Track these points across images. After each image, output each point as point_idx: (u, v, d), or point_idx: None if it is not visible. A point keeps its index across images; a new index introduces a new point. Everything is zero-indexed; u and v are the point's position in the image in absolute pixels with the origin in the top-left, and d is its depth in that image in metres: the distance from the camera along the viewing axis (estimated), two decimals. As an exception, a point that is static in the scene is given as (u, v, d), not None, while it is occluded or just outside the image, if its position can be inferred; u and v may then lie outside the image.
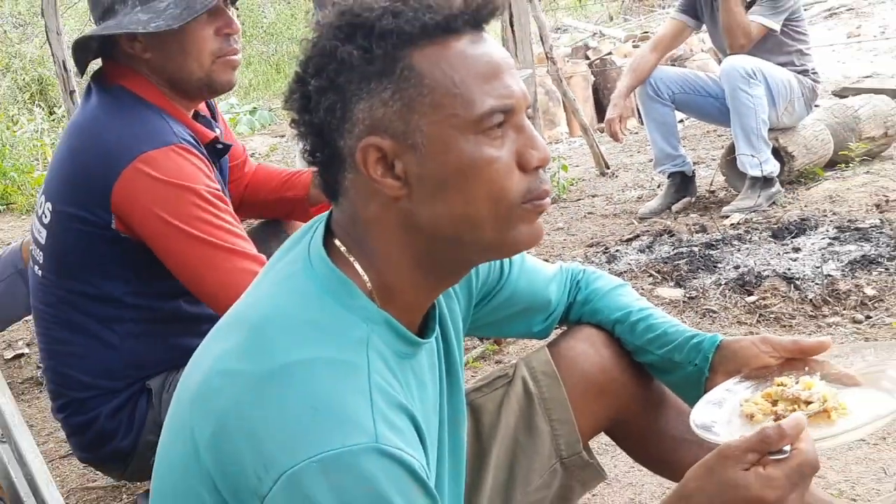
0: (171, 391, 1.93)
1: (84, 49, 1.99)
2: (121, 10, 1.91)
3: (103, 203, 1.84)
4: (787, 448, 1.09)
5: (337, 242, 1.18)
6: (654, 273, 3.57)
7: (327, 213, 1.23)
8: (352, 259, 1.16)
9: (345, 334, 1.09)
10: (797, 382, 1.37)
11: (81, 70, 2.03)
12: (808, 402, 1.31)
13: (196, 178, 1.85)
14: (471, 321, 1.49)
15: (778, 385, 1.37)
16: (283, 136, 9.35)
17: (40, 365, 3.68)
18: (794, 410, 1.29)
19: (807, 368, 1.42)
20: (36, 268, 2.01)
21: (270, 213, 2.45)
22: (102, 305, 1.94)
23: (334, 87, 1.10)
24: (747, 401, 1.37)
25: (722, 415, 1.37)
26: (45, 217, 1.95)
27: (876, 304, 3.03)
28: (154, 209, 1.82)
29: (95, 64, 2.06)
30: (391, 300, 1.16)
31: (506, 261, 1.51)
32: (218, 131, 2.10)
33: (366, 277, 1.15)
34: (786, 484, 1.07)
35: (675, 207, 4.60)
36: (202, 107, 2.10)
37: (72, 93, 6.15)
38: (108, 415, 1.97)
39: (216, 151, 2.04)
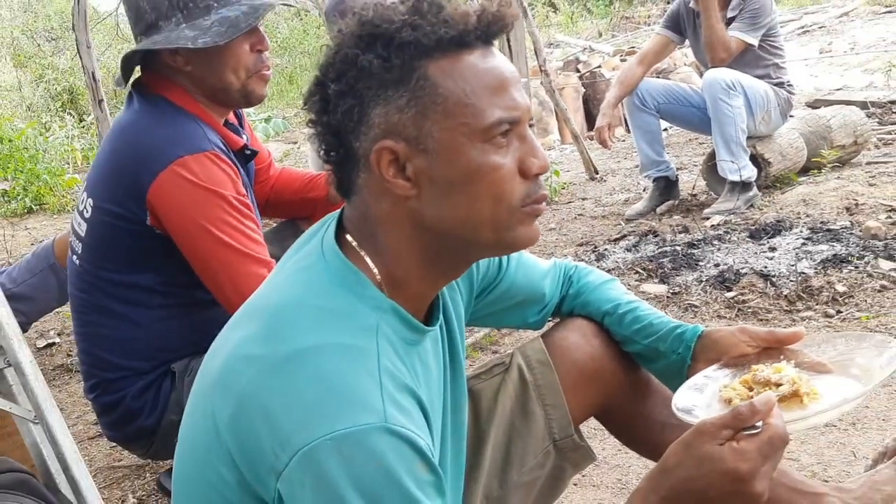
0: (192, 374, 1.94)
1: (129, 61, 2.01)
2: (165, 26, 1.93)
3: (139, 201, 1.87)
4: (759, 424, 1.09)
5: (349, 237, 1.18)
6: (640, 270, 3.56)
7: (339, 210, 1.23)
8: (362, 253, 1.16)
9: (356, 321, 1.10)
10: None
11: (126, 80, 2.03)
12: (778, 385, 1.31)
13: (226, 184, 1.88)
14: (471, 312, 1.50)
15: (753, 372, 1.37)
16: (295, 143, 9.35)
17: (70, 353, 3.68)
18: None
19: (782, 357, 1.42)
20: (74, 257, 2.04)
21: (294, 213, 2.46)
22: (131, 292, 1.97)
23: (353, 92, 1.10)
24: (726, 386, 1.37)
25: (702, 399, 1.37)
26: (87, 212, 1.99)
27: (846, 300, 3.03)
28: (185, 210, 1.85)
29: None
30: (399, 291, 1.16)
31: (504, 257, 1.51)
32: (245, 137, 2.13)
33: (375, 270, 1.15)
34: (757, 456, 1.06)
35: (659, 210, 4.59)
36: (230, 115, 2.12)
37: (100, 101, 6.15)
38: (134, 395, 2.00)
39: (244, 157, 2.06)
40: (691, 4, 4.43)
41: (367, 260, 1.16)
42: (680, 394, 1.37)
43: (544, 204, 1.17)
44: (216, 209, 1.85)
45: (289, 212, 2.46)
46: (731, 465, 1.07)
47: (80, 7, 5.99)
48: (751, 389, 1.34)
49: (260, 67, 2.00)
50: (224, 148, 1.95)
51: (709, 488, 1.08)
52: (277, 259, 1.82)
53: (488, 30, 1.12)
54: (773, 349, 1.45)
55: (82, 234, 2.00)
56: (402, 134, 1.10)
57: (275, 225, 2.57)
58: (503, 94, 1.11)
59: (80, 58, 6.25)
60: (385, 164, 1.10)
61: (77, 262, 2.03)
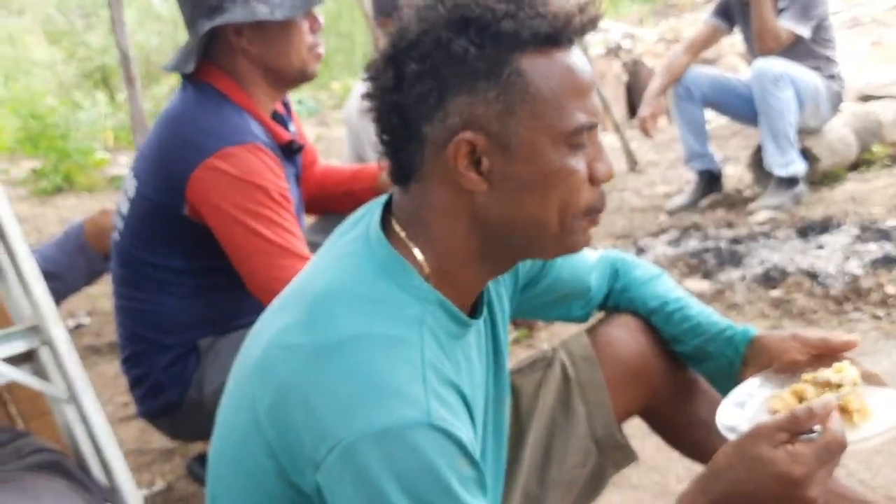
0: (217, 353, 2.02)
1: (197, 42, 2.00)
2: (230, 7, 1.95)
3: (179, 189, 1.91)
4: (818, 429, 1.07)
5: (396, 227, 1.16)
6: (682, 266, 3.53)
7: (384, 197, 1.22)
8: (410, 243, 1.15)
9: (400, 312, 1.09)
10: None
11: (189, 64, 2.00)
12: (839, 386, 1.28)
13: (265, 176, 1.90)
14: (515, 305, 1.48)
15: (805, 381, 1.35)
16: (326, 126, 9.36)
17: (100, 334, 3.72)
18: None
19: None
20: (116, 233, 2.11)
21: (338, 208, 2.47)
22: (163, 273, 2.03)
23: (436, 76, 1.07)
24: (774, 396, 1.35)
25: (747, 413, 1.34)
26: (130, 192, 2.05)
27: (896, 302, 2.98)
28: (223, 201, 1.88)
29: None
30: (446, 283, 1.15)
31: None
32: (293, 129, 2.17)
33: (423, 260, 1.14)
34: (813, 461, 1.05)
35: (702, 203, 4.54)
36: (279, 105, 2.15)
37: (132, 80, 6.19)
38: (160, 368, 2.06)
39: (290, 151, 2.09)
40: (742, -8, 4.37)
41: (415, 250, 1.15)
42: (723, 410, 1.35)
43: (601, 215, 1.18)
44: (253, 201, 1.88)
45: (334, 205, 2.47)
46: (784, 468, 1.05)
47: (116, -17, 6.02)
48: (800, 401, 1.31)
49: (316, 45, 2.06)
50: (268, 140, 1.98)
51: (760, 492, 1.07)
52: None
53: (581, 28, 1.11)
54: (824, 356, 1.42)
55: (124, 213, 2.07)
56: (485, 127, 1.08)
57: (319, 218, 2.58)
58: (586, 97, 1.11)
59: (115, 35, 6.31)
60: (461, 155, 1.08)
61: (118, 237, 2.10)
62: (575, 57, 1.11)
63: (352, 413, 1.00)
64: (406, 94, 1.09)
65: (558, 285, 1.53)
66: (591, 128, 1.12)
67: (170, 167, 1.94)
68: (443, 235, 1.14)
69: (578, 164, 1.11)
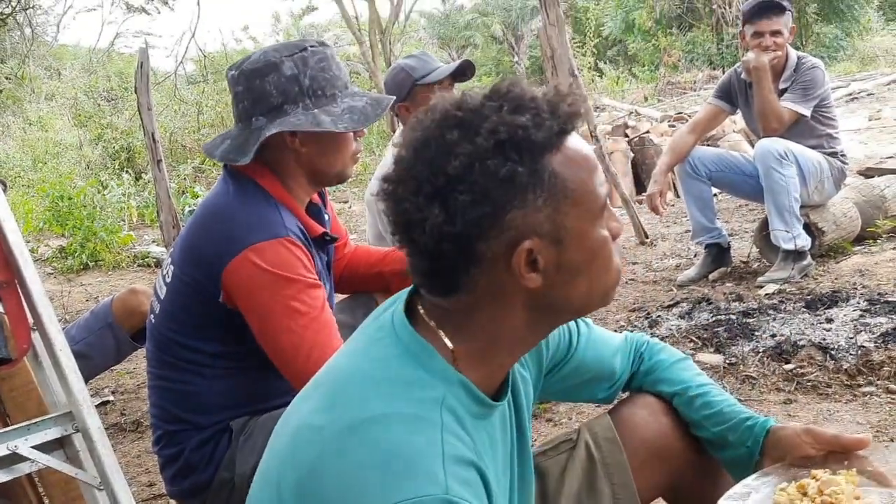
0: (249, 433, 2.01)
1: (241, 141, 2.02)
2: (291, 110, 1.99)
3: (215, 279, 1.94)
4: None
5: (424, 316, 1.18)
6: (694, 339, 3.51)
7: (412, 287, 1.22)
8: (440, 331, 1.16)
9: (422, 392, 1.10)
10: (833, 474, 1.37)
11: (247, 155, 1.99)
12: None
13: (296, 268, 1.93)
14: (540, 388, 1.48)
15: (812, 478, 1.37)
16: (346, 202, 9.45)
17: (125, 412, 3.71)
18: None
19: (846, 462, 1.40)
20: (152, 317, 2.12)
21: (367, 287, 2.50)
22: (199, 354, 2.04)
23: (488, 200, 1.08)
24: (781, 490, 1.37)
25: None
26: (168, 277, 2.08)
27: (908, 376, 2.94)
28: (255, 294, 1.91)
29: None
30: (476, 366, 1.16)
31: (573, 334, 1.50)
32: (326, 217, 2.22)
33: (449, 344, 1.15)
34: None
35: (711, 277, 4.54)
36: (315, 195, 2.19)
37: (159, 162, 6.29)
38: (193, 448, 2.05)
39: (324, 241, 2.12)
40: (743, 76, 4.43)
41: (441, 334, 1.16)
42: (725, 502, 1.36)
43: None
44: (283, 294, 1.91)
45: (363, 286, 2.50)
46: None
47: (143, 71, 6.17)
48: (804, 495, 1.34)
49: (357, 151, 2.11)
50: (300, 234, 2.01)
51: None
52: (347, 327, 1.85)
53: (577, 114, 1.14)
54: (838, 453, 1.43)
55: (162, 297, 2.09)
56: (539, 231, 1.10)
57: (348, 296, 2.60)
58: (598, 173, 1.16)
59: (141, 118, 6.43)
60: (523, 262, 1.10)
61: (153, 321, 2.11)
62: (578, 140, 1.16)
63: (374, 490, 1.00)
64: (457, 222, 1.08)
65: (583, 369, 1.53)
66: (607, 196, 1.18)
67: (207, 257, 1.97)
68: (490, 326, 1.15)
69: (605, 231, 1.17)
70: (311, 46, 2.05)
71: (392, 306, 1.23)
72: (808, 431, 1.47)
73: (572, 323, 1.50)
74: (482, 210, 1.08)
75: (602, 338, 1.57)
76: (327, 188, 2.29)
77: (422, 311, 1.18)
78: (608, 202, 1.19)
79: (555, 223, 1.11)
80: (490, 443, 1.19)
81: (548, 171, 1.10)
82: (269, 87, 2.00)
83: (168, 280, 2.07)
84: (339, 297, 2.51)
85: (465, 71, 3.19)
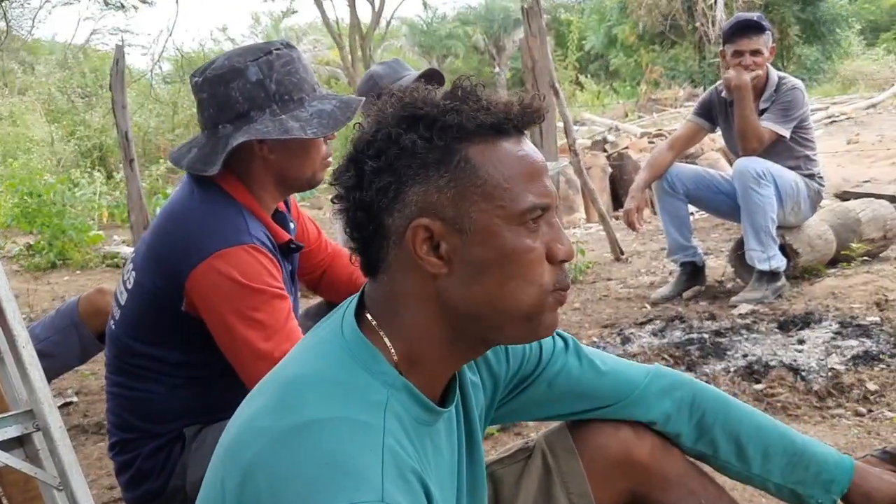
0: (202, 442, 1.99)
1: (208, 150, 2.00)
2: (257, 116, 1.96)
3: (177, 287, 1.91)
4: None
5: (368, 316, 1.20)
6: (666, 356, 3.53)
7: (361, 290, 1.24)
8: (381, 332, 1.18)
9: (365, 396, 1.11)
10: None
11: (215, 164, 1.96)
12: None
13: (260, 276, 1.91)
14: (505, 401, 1.48)
15: None
16: (321, 209, 9.43)
17: (87, 413, 3.67)
18: None
19: None
20: (112, 322, 2.10)
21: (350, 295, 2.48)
22: (158, 363, 2.01)
23: (391, 170, 1.12)
24: None
25: None
26: (129, 283, 2.05)
27: (877, 399, 2.98)
28: (218, 301, 1.89)
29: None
30: (415, 370, 1.17)
31: (546, 351, 1.50)
32: (293, 225, 2.19)
33: (392, 348, 1.17)
34: None
35: (685, 295, 4.58)
36: (280, 203, 2.16)
37: (131, 161, 6.25)
38: (146, 455, 2.03)
39: (289, 250, 2.10)
40: (724, 94, 4.47)
41: (385, 338, 1.17)
42: None
43: (568, 293, 1.20)
44: (246, 304, 1.88)
45: (343, 297, 2.48)
46: None
47: (119, 68, 6.14)
48: None
49: (327, 156, 2.09)
50: (267, 240, 1.99)
51: None
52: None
53: (524, 120, 1.17)
54: None
55: (122, 303, 2.06)
56: (439, 213, 1.12)
57: (320, 301, 2.58)
58: (536, 181, 1.15)
59: (115, 117, 6.39)
60: (419, 240, 1.13)
61: (113, 326, 2.08)
62: (524, 145, 1.17)
63: (311, 493, 1.00)
64: (366, 190, 1.14)
65: (559, 391, 1.53)
66: (545, 209, 1.16)
67: (170, 263, 1.94)
68: (411, 322, 1.17)
69: (534, 242, 1.14)
70: (277, 49, 2.01)
71: (341, 308, 1.24)
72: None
73: (550, 341, 1.50)
74: (386, 179, 1.12)
75: (618, 365, 1.59)
76: (295, 195, 2.27)
77: (367, 313, 1.20)
78: (550, 220, 1.17)
79: (458, 209, 1.12)
80: (434, 450, 1.20)
81: (459, 156, 1.12)
82: (234, 93, 1.97)
83: (129, 286, 2.04)
84: (315, 299, 2.49)
85: (431, 78, 3.20)
